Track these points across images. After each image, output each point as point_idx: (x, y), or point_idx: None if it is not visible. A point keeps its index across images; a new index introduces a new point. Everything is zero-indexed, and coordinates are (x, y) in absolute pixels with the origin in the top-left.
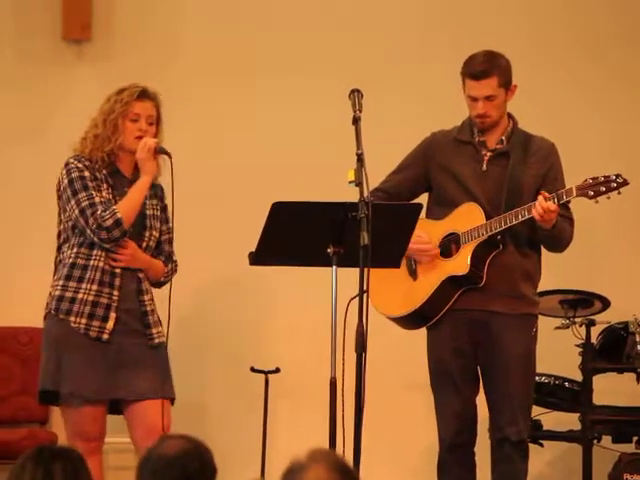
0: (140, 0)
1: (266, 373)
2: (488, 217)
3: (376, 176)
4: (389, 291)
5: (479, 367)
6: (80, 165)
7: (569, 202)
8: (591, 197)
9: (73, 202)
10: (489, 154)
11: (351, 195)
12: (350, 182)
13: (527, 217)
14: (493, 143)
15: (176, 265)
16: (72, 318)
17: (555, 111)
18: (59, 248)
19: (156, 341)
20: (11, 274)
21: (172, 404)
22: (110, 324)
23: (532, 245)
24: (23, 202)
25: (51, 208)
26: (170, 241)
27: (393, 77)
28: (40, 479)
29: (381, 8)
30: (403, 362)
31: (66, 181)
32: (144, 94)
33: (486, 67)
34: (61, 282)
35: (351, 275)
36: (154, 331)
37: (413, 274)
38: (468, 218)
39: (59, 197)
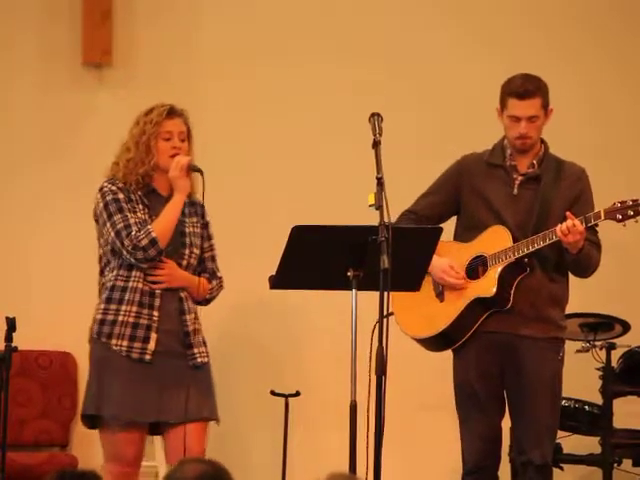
0: (160, 25)
1: (286, 397)
2: (516, 240)
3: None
4: (416, 312)
5: (505, 390)
6: (114, 188)
7: (597, 226)
8: (619, 220)
9: (109, 225)
10: (520, 178)
11: (371, 218)
12: (370, 205)
13: (554, 240)
14: (525, 167)
15: (221, 281)
16: (114, 341)
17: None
18: (101, 271)
19: (198, 360)
20: (31, 297)
21: (218, 424)
22: (152, 344)
23: (560, 270)
24: (45, 225)
25: (72, 234)
26: (213, 258)
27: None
28: None
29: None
30: (425, 384)
31: (101, 205)
32: (173, 112)
33: (532, 87)
34: (103, 306)
35: (377, 297)
36: (196, 351)
37: (440, 295)
38: (495, 241)
39: (96, 222)
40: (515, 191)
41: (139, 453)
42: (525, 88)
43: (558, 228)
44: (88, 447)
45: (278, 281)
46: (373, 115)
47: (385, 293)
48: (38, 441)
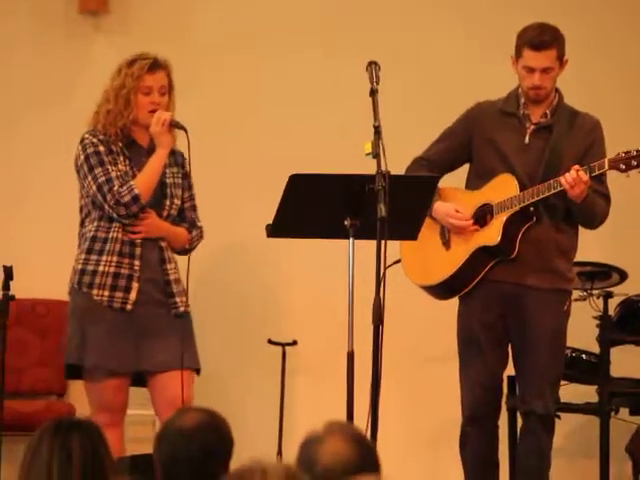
0: None
1: (283, 345)
2: (523, 189)
3: (393, 148)
4: (422, 261)
5: (509, 340)
6: (95, 140)
7: (603, 175)
8: (623, 170)
9: (90, 178)
10: (533, 127)
11: (368, 167)
12: (367, 154)
13: (559, 189)
14: (538, 116)
15: (201, 231)
16: (95, 291)
17: None
18: (82, 222)
19: (180, 310)
20: (28, 246)
21: (198, 374)
22: (133, 294)
23: (569, 220)
24: (42, 174)
25: (69, 182)
26: (194, 208)
27: (410, 49)
28: (58, 452)
29: None
30: (430, 335)
31: (82, 157)
32: (155, 65)
33: (547, 38)
34: (83, 256)
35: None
36: (178, 300)
37: (446, 244)
38: (502, 189)
39: (77, 173)
40: (527, 140)
41: (125, 401)
42: (541, 39)
43: (563, 178)
44: (85, 396)
45: (275, 230)
46: (370, 64)
47: (383, 242)
48: (35, 389)
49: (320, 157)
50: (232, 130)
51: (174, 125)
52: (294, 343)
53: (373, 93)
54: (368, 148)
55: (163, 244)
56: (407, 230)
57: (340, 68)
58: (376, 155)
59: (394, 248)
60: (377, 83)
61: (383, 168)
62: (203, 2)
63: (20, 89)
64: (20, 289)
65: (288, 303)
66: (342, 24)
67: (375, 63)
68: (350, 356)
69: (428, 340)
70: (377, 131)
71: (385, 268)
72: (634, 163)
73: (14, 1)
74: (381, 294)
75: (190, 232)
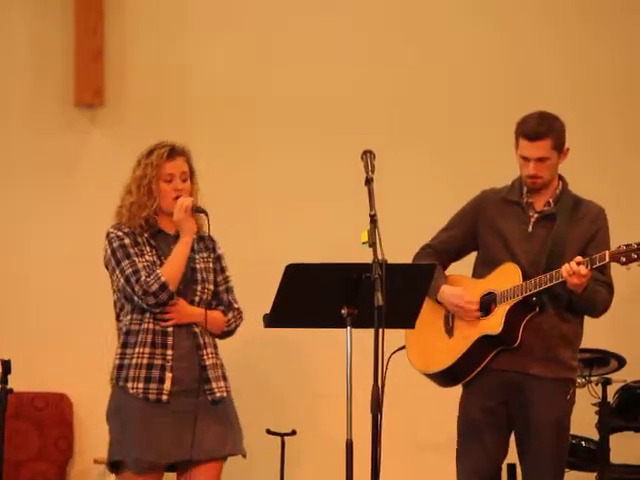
0: (152, 64)
1: (282, 435)
2: (526, 279)
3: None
4: (425, 348)
5: (513, 430)
6: (120, 233)
7: (605, 267)
8: (623, 263)
9: (118, 271)
10: (536, 216)
11: (365, 256)
12: (363, 243)
13: (561, 280)
14: (541, 205)
15: (240, 313)
16: (130, 384)
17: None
18: (117, 317)
19: (217, 395)
20: (27, 339)
21: (244, 457)
22: (167, 384)
23: (573, 309)
24: (42, 267)
25: (66, 269)
26: (228, 290)
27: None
28: None
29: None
30: (432, 423)
31: (109, 252)
32: (174, 152)
33: (541, 129)
34: (119, 350)
35: (388, 330)
36: (214, 386)
37: (449, 331)
38: (506, 278)
39: (107, 268)
40: (530, 229)
41: None
42: (535, 130)
43: (563, 268)
44: None
45: (272, 320)
46: (365, 153)
47: (380, 330)
48: None
49: (317, 246)
50: (228, 221)
51: (195, 210)
52: (293, 433)
53: (368, 182)
54: (364, 237)
55: (197, 330)
56: (404, 318)
57: (338, 155)
58: (372, 244)
59: (399, 334)
60: (372, 172)
61: (380, 257)
62: (199, 96)
63: (15, 181)
64: (18, 382)
65: (286, 393)
66: (343, 109)
67: (370, 152)
68: (349, 445)
69: (429, 428)
70: (373, 220)
71: (391, 354)
72: (634, 256)
73: (11, 92)
74: (379, 383)
75: (226, 314)
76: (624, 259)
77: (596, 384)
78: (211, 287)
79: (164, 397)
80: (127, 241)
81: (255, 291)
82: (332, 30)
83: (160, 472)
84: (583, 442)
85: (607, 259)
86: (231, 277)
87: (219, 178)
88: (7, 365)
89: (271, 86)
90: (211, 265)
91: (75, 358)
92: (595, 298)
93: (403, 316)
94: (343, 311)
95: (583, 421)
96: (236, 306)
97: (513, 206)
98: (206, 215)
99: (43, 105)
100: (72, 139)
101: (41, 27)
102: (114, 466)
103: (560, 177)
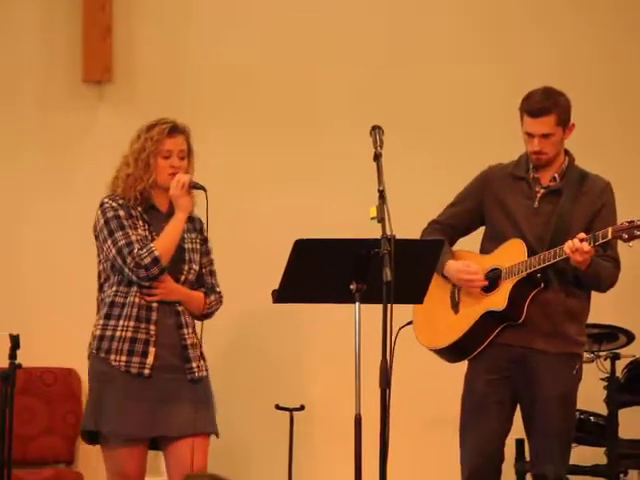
0: (160, 41)
1: (291, 410)
2: (532, 254)
3: (399, 211)
4: (430, 323)
5: (519, 404)
6: (115, 204)
7: (611, 242)
8: (625, 240)
9: (110, 242)
10: (542, 191)
11: (374, 231)
12: (372, 218)
13: (564, 257)
14: (547, 180)
15: (220, 297)
16: (112, 356)
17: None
18: (100, 288)
19: (197, 375)
20: (35, 314)
21: (217, 437)
22: (150, 359)
23: (579, 284)
24: (49, 245)
25: (72, 245)
26: (212, 273)
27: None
28: None
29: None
30: (440, 398)
31: (102, 221)
32: (174, 129)
33: (545, 105)
34: (101, 321)
35: (396, 306)
36: (194, 365)
37: (455, 307)
38: (512, 254)
39: (96, 238)
40: (536, 204)
41: (142, 468)
42: (539, 106)
43: (566, 245)
44: (93, 463)
45: (281, 295)
46: (374, 128)
47: (388, 306)
48: (43, 458)
49: (326, 221)
50: (238, 195)
51: (193, 186)
52: (302, 408)
53: (377, 157)
54: (373, 212)
55: (180, 309)
56: (413, 294)
57: (346, 132)
58: (381, 219)
59: (407, 309)
60: (381, 147)
61: (388, 232)
62: (209, 71)
63: (24, 157)
64: (27, 357)
65: (295, 368)
66: (351, 91)
67: (378, 127)
68: (357, 420)
69: (437, 403)
70: (382, 195)
71: (399, 329)
72: (637, 233)
73: (20, 69)
74: (388, 357)
75: (208, 297)
76: (626, 236)
77: (605, 359)
78: (196, 268)
79: (146, 371)
80: (121, 212)
81: (263, 266)
82: (335, 27)
83: (141, 447)
84: (592, 417)
85: (609, 235)
86: (214, 261)
87: (227, 156)
88: (16, 340)
89: (281, 62)
90: (198, 246)
91: (83, 333)
92: (600, 274)
93: (411, 291)
94: (352, 286)
95: (591, 396)
96: (218, 290)
97: (519, 181)
98: (205, 191)
99: (52, 81)
100: (80, 115)
101: (50, 4)
102: (89, 436)
103: (566, 152)
